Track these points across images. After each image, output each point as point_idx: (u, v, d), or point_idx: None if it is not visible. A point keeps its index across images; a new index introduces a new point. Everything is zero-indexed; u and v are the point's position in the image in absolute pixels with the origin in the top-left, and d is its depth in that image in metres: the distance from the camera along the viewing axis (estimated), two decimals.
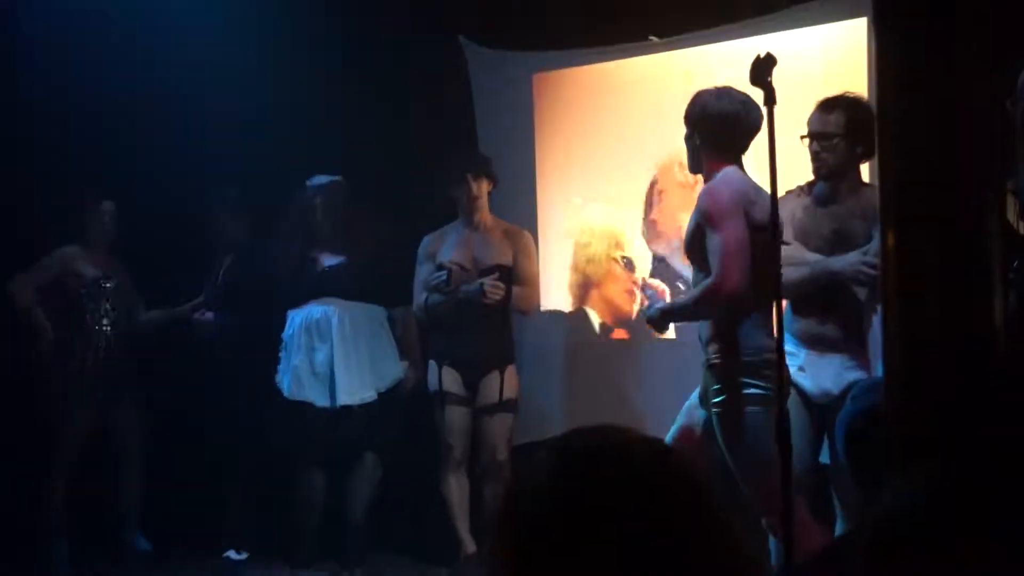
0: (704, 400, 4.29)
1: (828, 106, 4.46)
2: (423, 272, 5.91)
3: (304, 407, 5.91)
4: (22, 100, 6.62)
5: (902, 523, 1.37)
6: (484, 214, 5.94)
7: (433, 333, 5.93)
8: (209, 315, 6.38)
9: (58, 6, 6.52)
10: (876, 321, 4.27)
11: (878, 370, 4.19)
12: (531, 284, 5.95)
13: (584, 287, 6.62)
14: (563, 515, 1.28)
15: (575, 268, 6.62)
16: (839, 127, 4.40)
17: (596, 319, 6.57)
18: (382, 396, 5.99)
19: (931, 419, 2.26)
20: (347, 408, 5.90)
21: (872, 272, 4.07)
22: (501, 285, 5.69)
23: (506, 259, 5.87)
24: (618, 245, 6.47)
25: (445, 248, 5.89)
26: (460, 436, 5.78)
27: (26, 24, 6.60)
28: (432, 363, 5.87)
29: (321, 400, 5.88)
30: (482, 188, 5.89)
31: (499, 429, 5.74)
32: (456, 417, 5.77)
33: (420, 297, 5.88)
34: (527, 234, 6.14)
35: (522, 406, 5.98)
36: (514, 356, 5.95)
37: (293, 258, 6.04)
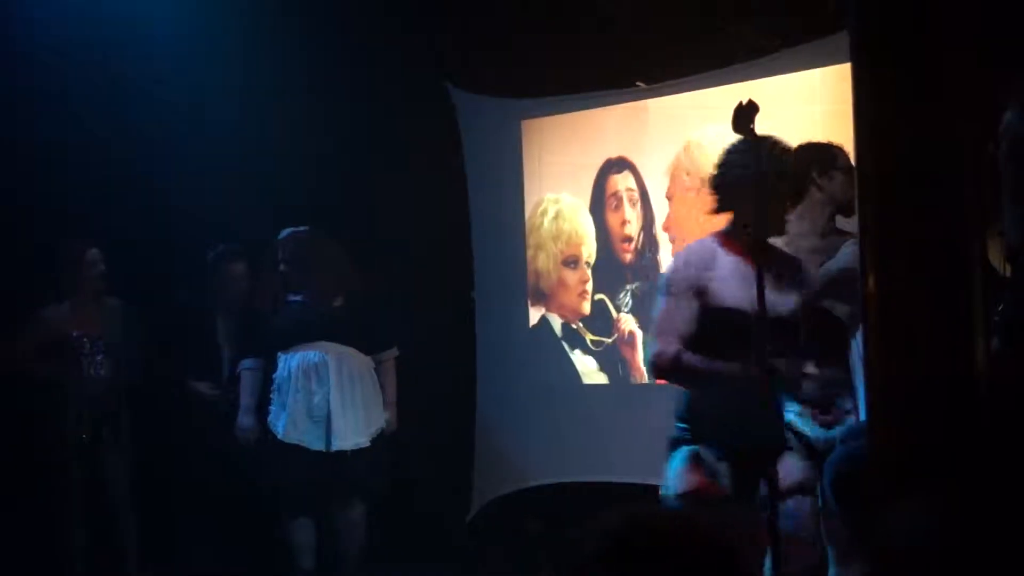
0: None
1: (843, 148, 4.52)
2: (680, 309, 4.01)
3: (297, 450, 5.87)
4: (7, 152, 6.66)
5: (903, 560, 1.39)
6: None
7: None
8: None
9: (47, 52, 6.53)
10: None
11: (861, 405, 4.21)
12: None
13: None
14: None
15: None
16: None
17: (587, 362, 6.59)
18: (371, 443, 5.96)
19: (915, 461, 2.26)
20: (341, 453, 5.86)
21: None
22: None
23: (797, 304, 4.18)
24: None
25: (726, 283, 4.01)
26: None
27: (15, 67, 6.62)
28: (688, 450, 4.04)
29: (316, 444, 5.85)
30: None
31: None
32: None
33: (670, 347, 3.99)
34: None
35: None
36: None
37: (271, 304, 6.04)
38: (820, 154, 4.50)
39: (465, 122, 6.94)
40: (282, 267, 6.02)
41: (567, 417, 6.59)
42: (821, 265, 4.40)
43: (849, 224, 4.47)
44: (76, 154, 6.68)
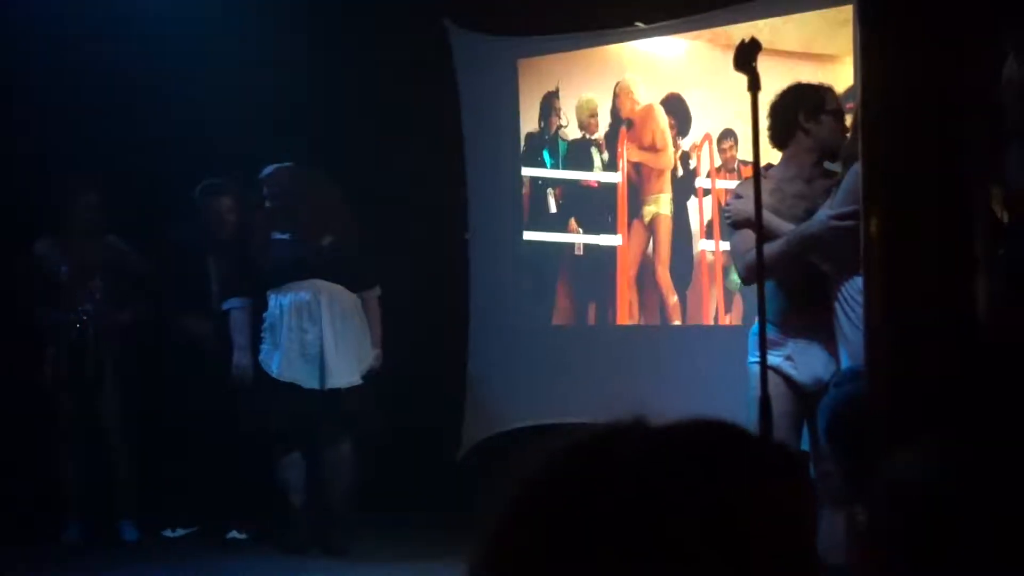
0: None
1: (833, 90, 4.47)
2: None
3: (292, 388, 5.86)
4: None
5: (910, 499, 1.36)
6: None
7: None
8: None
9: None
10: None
11: (842, 353, 4.20)
12: None
13: None
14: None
15: None
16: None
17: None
18: (363, 381, 5.97)
19: (915, 404, 2.25)
20: (335, 391, 5.86)
21: (839, 223, 4.01)
22: None
23: None
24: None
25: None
26: None
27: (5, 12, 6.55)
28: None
29: (309, 382, 5.85)
30: None
31: None
32: None
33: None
34: None
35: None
36: None
37: (258, 242, 6.00)
38: (807, 97, 4.41)
39: (460, 60, 6.88)
40: (268, 203, 5.98)
41: (561, 357, 6.59)
42: (806, 212, 4.35)
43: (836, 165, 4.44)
44: (66, 91, 6.62)
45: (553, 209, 6.72)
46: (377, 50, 6.76)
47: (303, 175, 5.97)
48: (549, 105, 6.67)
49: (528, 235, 6.79)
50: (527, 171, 6.79)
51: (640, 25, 6.25)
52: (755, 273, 3.95)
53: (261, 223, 6.06)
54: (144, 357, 6.46)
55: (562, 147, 6.66)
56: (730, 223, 4.47)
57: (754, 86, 3.57)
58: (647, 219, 6.38)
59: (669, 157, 6.28)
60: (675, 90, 6.24)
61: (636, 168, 6.41)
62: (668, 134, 6.28)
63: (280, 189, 5.95)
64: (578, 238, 6.64)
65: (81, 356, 6.27)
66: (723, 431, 1.06)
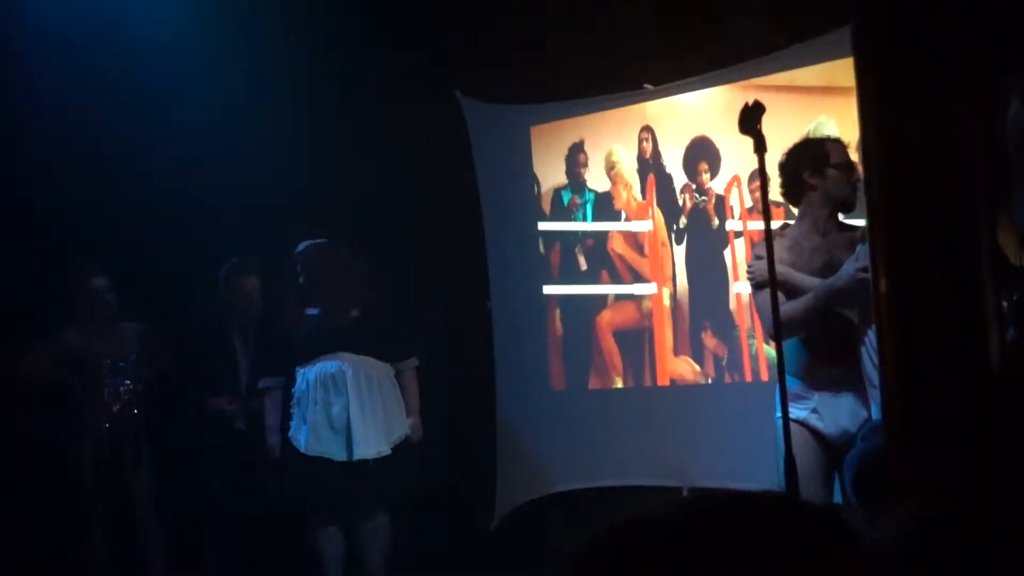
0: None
1: (841, 142, 4.49)
2: None
3: (321, 462, 5.89)
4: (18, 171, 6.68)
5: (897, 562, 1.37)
6: None
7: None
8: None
9: (56, 72, 6.57)
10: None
11: (871, 401, 4.19)
12: None
13: None
14: None
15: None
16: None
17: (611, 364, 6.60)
18: (393, 451, 5.97)
19: (933, 455, 2.25)
20: (363, 462, 5.87)
21: (866, 275, 4.00)
22: None
23: None
24: None
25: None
26: None
27: (22, 90, 6.65)
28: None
29: (338, 454, 5.86)
30: None
31: None
32: None
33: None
34: None
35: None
36: None
37: (292, 318, 6.06)
38: (810, 153, 4.45)
39: (475, 129, 6.95)
40: (301, 280, 6.03)
41: (590, 421, 6.58)
42: (824, 265, 4.37)
43: (852, 218, 4.46)
44: (85, 172, 6.68)
45: (584, 266, 6.73)
46: (393, 123, 6.83)
47: (334, 250, 6.04)
48: (574, 159, 6.71)
49: (553, 289, 6.80)
50: (556, 226, 6.81)
51: (649, 87, 6.30)
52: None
53: (294, 299, 6.11)
54: (174, 439, 6.49)
55: (590, 198, 6.70)
56: (753, 284, 4.49)
57: (760, 148, 3.59)
58: (645, 308, 6.44)
59: (664, 271, 6.36)
60: (702, 133, 6.25)
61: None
62: (658, 249, 6.37)
63: (312, 265, 6.01)
64: (611, 289, 6.63)
65: (120, 441, 6.31)
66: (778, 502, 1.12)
